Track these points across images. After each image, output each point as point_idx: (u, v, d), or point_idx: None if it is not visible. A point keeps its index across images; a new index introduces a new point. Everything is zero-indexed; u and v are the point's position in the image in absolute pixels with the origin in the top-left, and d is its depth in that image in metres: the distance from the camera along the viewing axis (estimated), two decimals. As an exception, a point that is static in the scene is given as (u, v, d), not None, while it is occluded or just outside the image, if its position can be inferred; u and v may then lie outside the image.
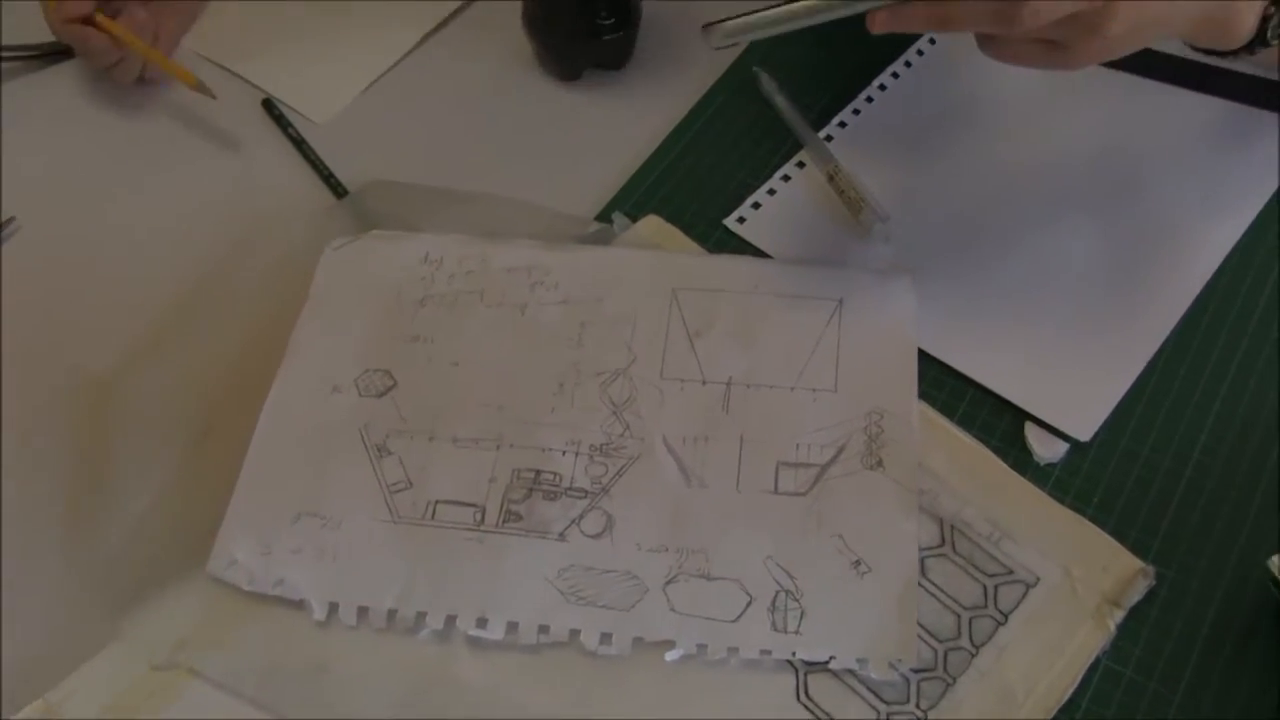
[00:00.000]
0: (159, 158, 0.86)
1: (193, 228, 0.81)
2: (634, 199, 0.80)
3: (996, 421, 0.69)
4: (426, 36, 0.90)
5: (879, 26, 0.62)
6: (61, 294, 0.79)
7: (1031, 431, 0.68)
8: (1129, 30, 0.60)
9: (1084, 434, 0.68)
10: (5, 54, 0.89)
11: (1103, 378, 0.70)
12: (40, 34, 0.88)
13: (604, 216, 0.78)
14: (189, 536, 0.66)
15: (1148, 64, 0.83)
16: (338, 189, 0.81)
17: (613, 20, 0.83)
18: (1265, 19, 0.66)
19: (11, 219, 0.81)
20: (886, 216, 0.75)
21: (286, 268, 0.76)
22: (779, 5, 0.62)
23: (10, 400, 0.73)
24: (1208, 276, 0.73)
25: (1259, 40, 0.67)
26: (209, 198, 0.83)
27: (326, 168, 0.82)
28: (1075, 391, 0.70)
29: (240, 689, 0.61)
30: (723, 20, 0.63)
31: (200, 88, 0.85)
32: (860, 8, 0.61)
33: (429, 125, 0.86)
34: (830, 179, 0.78)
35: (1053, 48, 0.61)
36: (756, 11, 0.62)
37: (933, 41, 0.86)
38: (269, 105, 0.86)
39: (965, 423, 0.69)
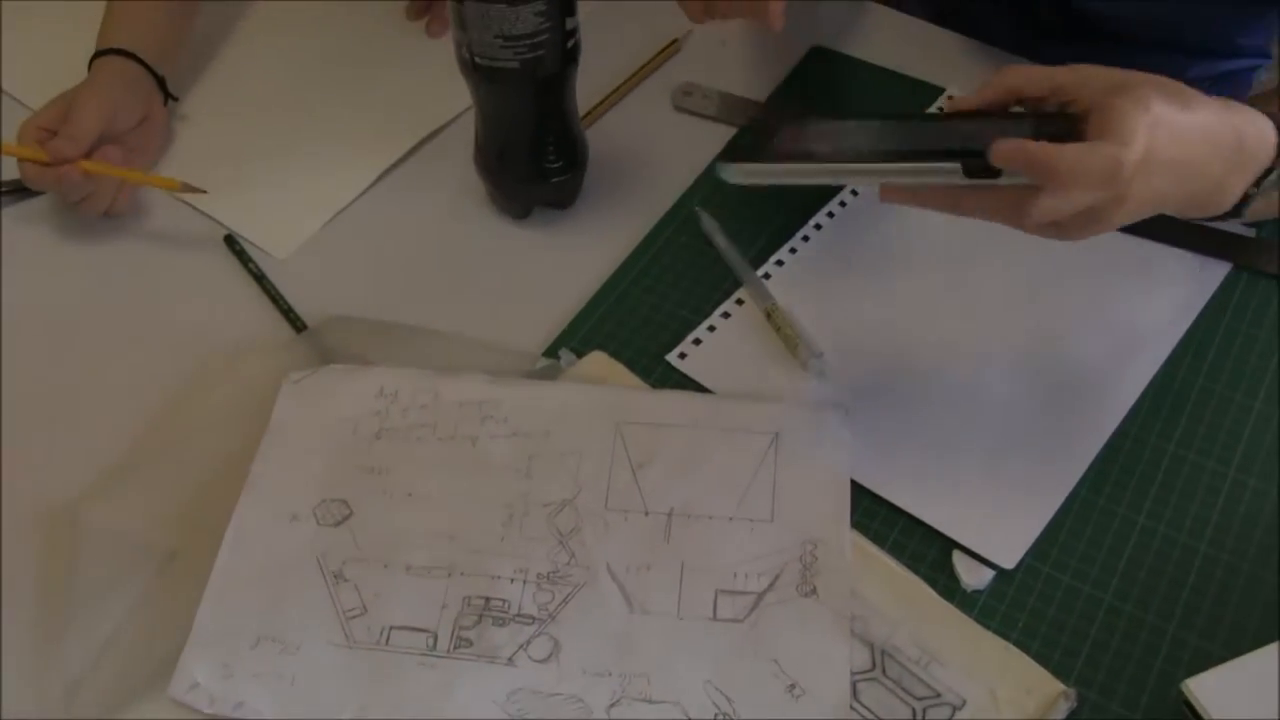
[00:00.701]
0: (124, 290, 0.90)
1: (156, 359, 0.85)
2: (580, 335, 0.85)
3: (926, 550, 0.74)
4: (382, 175, 0.96)
5: (891, 197, 0.68)
6: (29, 422, 0.83)
7: (959, 559, 0.73)
8: (1129, 215, 0.67)
9: (1009, 562, 0.73)
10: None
11: (1026, 508, 0.75)
12: (8, 170, 0.93)
13: (551, 352, 0.84)
14: (152, 661, 0.69)
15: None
16: (296, 323, 0.86)
17: (561, 163, 0.90)
18: (1246, 195, 0.71)
19: None
20: (820, 353, 0.81)
21: (247, 399, 0.80)
22: (795, 160, 0.66)
23: None
24: (1125, 411, 0.79)
25: (1233, 212, 0.72)
26: (172, 330, 0.87)
27: (286, 302, 0.87)
28: (1000, 521, 0.75)
29: None
30: (742, 160, 0.67)
31: (186, 188, 0.91)
32: (876, 181, 0.67)
33: (384, 261, 0.91)
34: (768, 316, 0.84)
35: (1055, 227, 0.67)
36: (777, 162, 0.66)
37: (844, 204, 0.93)
38: (230, 241, 0.91)
39: (896, 551, 0.74)
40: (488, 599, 0.71)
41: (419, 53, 1.06)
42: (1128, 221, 0.67)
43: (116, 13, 0.98)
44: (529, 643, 0.69)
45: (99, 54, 0.95)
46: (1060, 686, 0.67)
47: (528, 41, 0.80)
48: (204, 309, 0.89)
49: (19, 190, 0.95)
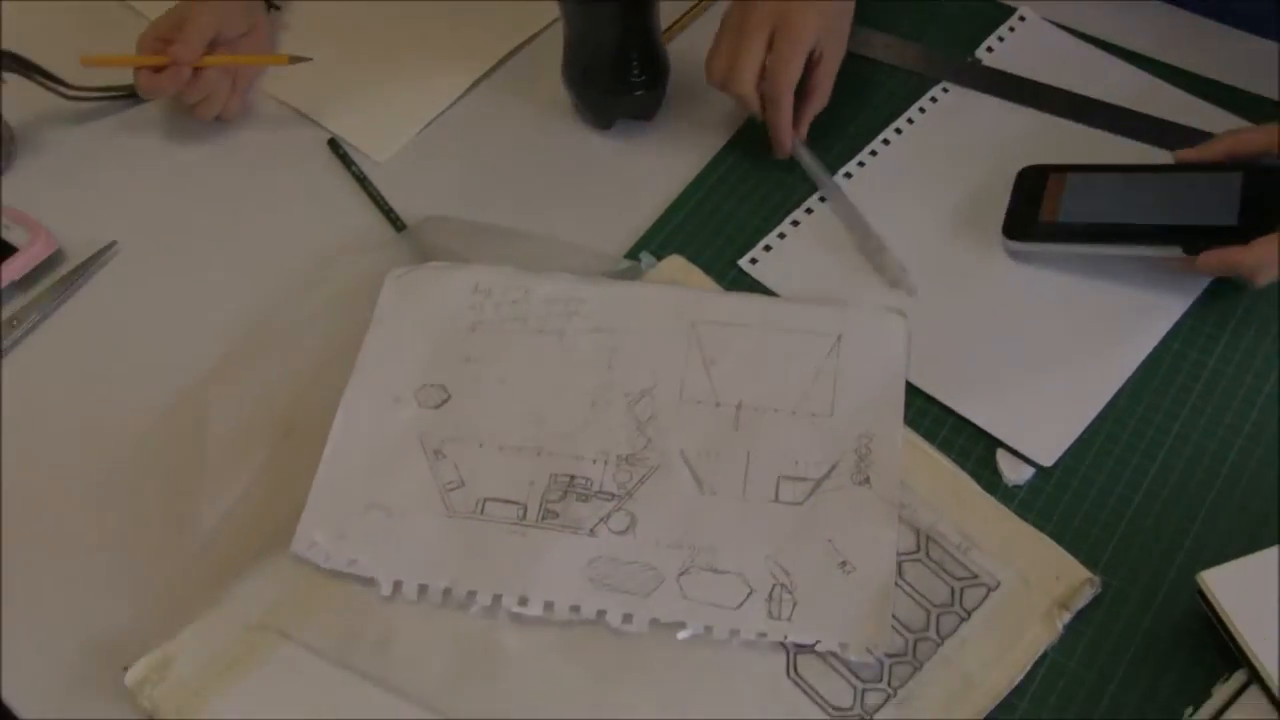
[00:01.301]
0: (237, 191, 0.99)
1: (268, 255, 0.94)
2: (659, 239, 0.93)
3: (972, 447, 0.82)
4: (474, 84, 1.04)
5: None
6: (158, 311, 0.92)
7: (1002, 457, 0.81)
8: None
9: (1048, 460, 0.80)
10: (95, 95, 1.03)
11: (1067, 413, 0.83)
12: (122, 76, 1.02)
13: (632, 254, 0.91)
14: (275, 522, 0.78)
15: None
16: (396, 223, 0.94)
17: (644, 77, 0.96)
18: None
19: (113, 243, 0.95)
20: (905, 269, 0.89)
21: (353, 292, 0.89)
22: (1058, 240, 0.88)
23: (120, 405, 0.87)
24: (1169, 325, 0.86)
25: None
26: (283, 228, 0.96)
27: (387, 203, 0.95)
28: (1043, 423, 0.82)
29: (321, 650, 0.74)
30: (1019, 239, 0.89)
31: (295, 59, 1.01)
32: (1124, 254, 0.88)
33: (477, 165, 0.99)
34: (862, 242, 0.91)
35: None
36: (1045, 242, 0.89)
37: (935, 99, 1.00)
38: (334, 145, 1.00)
39: (944, 447, 0.81)
40: (572, 477, 0.80)
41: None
42: None
43: None
44: (609, 516, 0.78)
45: None
46: (1086, 574, 0.75)
47: (616, -37, 0.87)
48: (311, 209, 0.97)
49: (132, 96, 1.03)
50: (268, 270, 0.93)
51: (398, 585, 0.76)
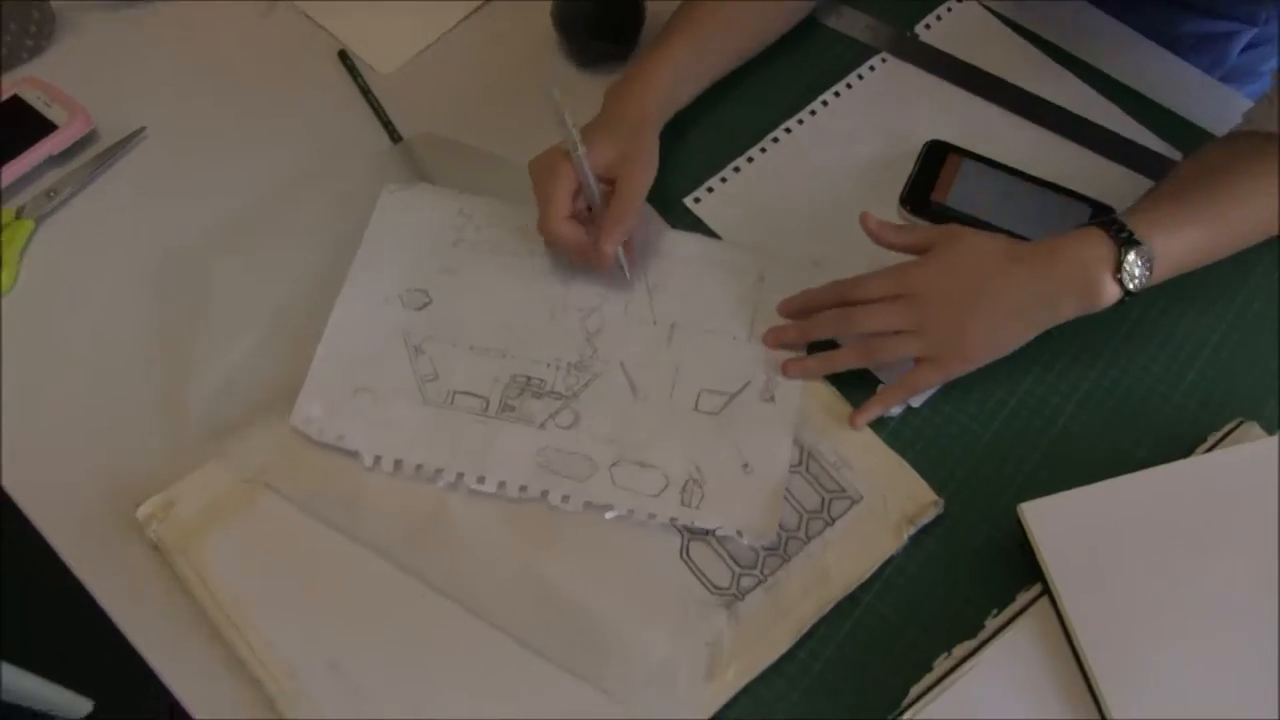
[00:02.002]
0: (255, 90, 1.13)
1: (280, 151, 1.07)
2: (619, 174, 1.07)
3: (858, 383, 0.96)
4: (474, 11, 1.17)
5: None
6: (178, 194, 1.06)
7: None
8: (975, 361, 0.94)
9: (916, 401, 0.97)
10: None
11: None
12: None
13: (595, 188, 1.06)
14: (270, 392, 0.93)
15: (1030, 106, 1.12)
16: (394, 135, 1.08)
17: (624, 27, 1.11)
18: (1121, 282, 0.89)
19: (143, 129, 1.09)
20: None
21: (351, 192, 1.03)
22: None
23: (140, 276, 1.01)
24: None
25: (1128, 294, 0.91)
26: (294, 129, 1.09)
27: (386, 115, 1.09)
28: None
29: (303, 504, 0.89)
30: (910, 209, 1.03)
31: None
32: None
33: (467, 88, 1.13)
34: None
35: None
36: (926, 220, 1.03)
37: (873, 68, 1.15)
38: (344, 56, 1.14)
39: (834, 380, 0.96)
40: (529, 378, 0.94)
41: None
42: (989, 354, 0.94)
43: None
44: (557, 413, 0.92)
45: None
46: (933, 497, 0.91)
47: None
48: (319, 114, 1.11)
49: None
50: (278, 166, 1.07)
51: (378, 459, 0.90)
